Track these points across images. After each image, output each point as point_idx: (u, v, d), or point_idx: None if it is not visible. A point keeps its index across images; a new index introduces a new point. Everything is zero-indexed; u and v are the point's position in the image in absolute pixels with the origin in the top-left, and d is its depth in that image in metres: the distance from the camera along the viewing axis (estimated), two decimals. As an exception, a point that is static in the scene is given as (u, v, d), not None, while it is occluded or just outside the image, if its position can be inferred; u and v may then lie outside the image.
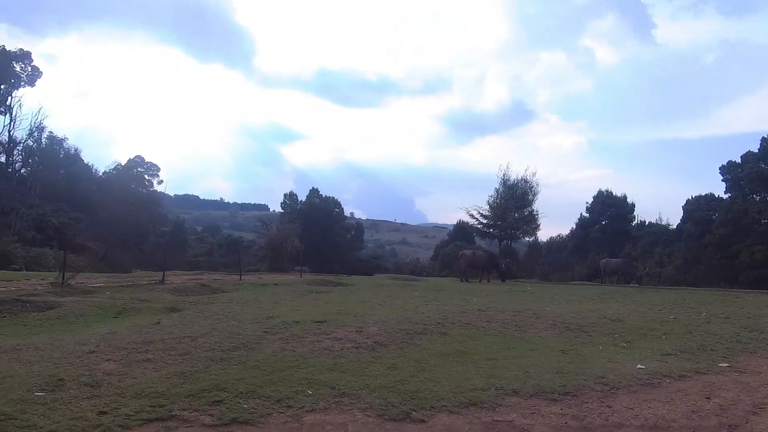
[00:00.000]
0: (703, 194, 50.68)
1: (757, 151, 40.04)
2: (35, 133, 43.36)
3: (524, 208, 29.22)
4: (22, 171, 46.37)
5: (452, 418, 4.57)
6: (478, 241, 36.38)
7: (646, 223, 57.32)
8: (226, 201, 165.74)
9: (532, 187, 29.37)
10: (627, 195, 57.89)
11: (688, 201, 51.91)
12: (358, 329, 7.60)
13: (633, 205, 57.36)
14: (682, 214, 51.52)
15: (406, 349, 6.75)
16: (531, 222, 29.83)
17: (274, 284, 14.58)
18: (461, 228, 44.32)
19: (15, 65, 40.70)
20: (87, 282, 15.78)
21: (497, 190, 29.39)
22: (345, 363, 6.04)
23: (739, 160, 41.70)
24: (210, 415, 4.58)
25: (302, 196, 64.34)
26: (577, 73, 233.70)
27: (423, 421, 4.50)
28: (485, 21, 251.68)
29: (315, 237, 59.96)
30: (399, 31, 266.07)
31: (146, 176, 61.38)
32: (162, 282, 14.18)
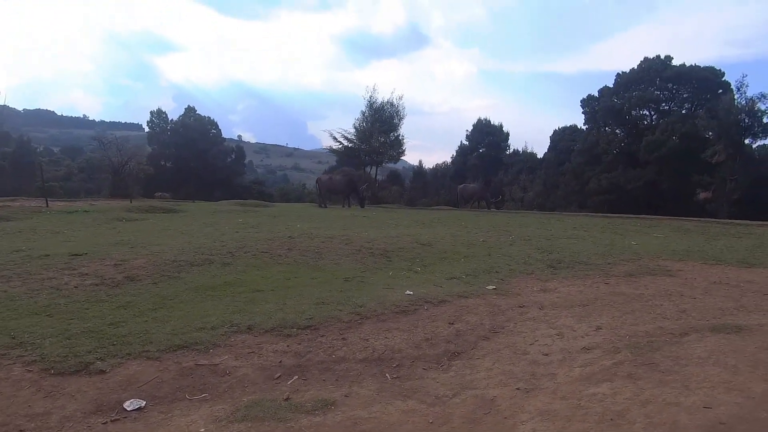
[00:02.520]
0: (568, 125, 54.79)
1: (611, 86, 43.32)
2: None
3: (390, 132, 28.80)
4: None
5: (144, 365, 3.88)
6: (370, 168, 35.76)
7: (520, 151, 60.97)
8: (90, 119, 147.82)
9: (399, 111, 28.87)
10: (503, 124, 60.78)
11: (554, 131, 55.74)
12: (120, 262, 6.58)
13: (508, 134, 60.43)
14: (548, 144, 55.60)
15: (160, 284, 5.91)
16: (397, 147, 29.61)
17: (85, 211, 12.73)
18: (350, 152, 43.63)
19: None
20: None
21: (363, 113, 28.51)
22: (64, 304, 5.07)
23: (596, 94, 44.97)
24: None
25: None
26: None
27: (103, 371, 3.76)
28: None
29: (190, 160, 55.57)
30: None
31: (-24, 86, 51.75)
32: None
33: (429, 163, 61.38)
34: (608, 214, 19.85)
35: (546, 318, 5.07)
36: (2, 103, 53.96)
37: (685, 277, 6.69)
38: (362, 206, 20.17)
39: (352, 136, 28.33)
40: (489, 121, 61.10)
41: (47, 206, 13.85)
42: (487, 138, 60.62)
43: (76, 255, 6.83)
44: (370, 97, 28.60)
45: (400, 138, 29.56)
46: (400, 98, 29.15)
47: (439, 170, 65.95)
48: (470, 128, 62.33)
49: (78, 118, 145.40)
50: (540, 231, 11.27)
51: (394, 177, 63.74)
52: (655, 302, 5.50)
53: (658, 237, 10.70)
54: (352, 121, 30.49)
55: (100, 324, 4.58)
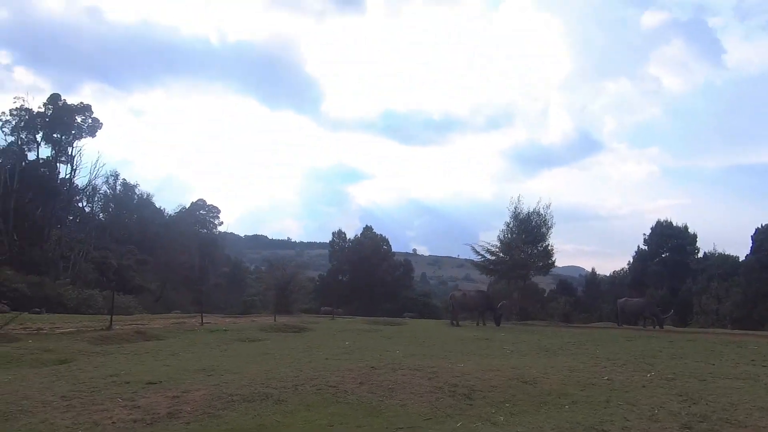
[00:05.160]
0: (777, 222, 45.31)
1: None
2: (110, 181, 47.68)
3: (537, 243, 26.81)
4: (100, 216, 50.81)
5: None
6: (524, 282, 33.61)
7: (716, 254, 52.41)
8: (293, 240, 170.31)
9: (546, 220, 26.97)
10: (688, 225, 53.71)
11: (757, 230, 46.48)
12: (181, 394, 6.57)
13: (695, 236, 52.80)
14: (751, 245, 46.17)
15: (192, 424, 5.57)
16: (546, 258, 27.21)
17: (224, 330, 13.84)
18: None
19: (76, 117, 43.35)
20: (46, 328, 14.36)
21: (508, 225, 27.22)
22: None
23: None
24: None
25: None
26: (644, 100, 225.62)
27: None
28: (548, 53, 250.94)
29: (363, 275, 59.26)
30: (461, 69, 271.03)
31: (208, 218, 63.94)
32: (109, 328, 13.85)
33: (606, 271, 56.35)
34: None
35: None
36: (225, 230, 65.09)
37: None
38: (498, 324, 18.47)
39: (496, 249, 27.04)
40: (670, 223, 54.75)
41: (201, 325, 15.45)
42: (669, 241, 54.00)
43: (152, 383, 7.08)
44: (515, 208, 27.53)
45: (549, 248, 27.30)
46: (548, 207, 27.46)
47: (617, 278, 59.29)
48: (648, 231, 56.62)
49: (283, 240, 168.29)
50: (696, 365, 8.56)
51: (564, 286, 58.66)
52: None
53: None
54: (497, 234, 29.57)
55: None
